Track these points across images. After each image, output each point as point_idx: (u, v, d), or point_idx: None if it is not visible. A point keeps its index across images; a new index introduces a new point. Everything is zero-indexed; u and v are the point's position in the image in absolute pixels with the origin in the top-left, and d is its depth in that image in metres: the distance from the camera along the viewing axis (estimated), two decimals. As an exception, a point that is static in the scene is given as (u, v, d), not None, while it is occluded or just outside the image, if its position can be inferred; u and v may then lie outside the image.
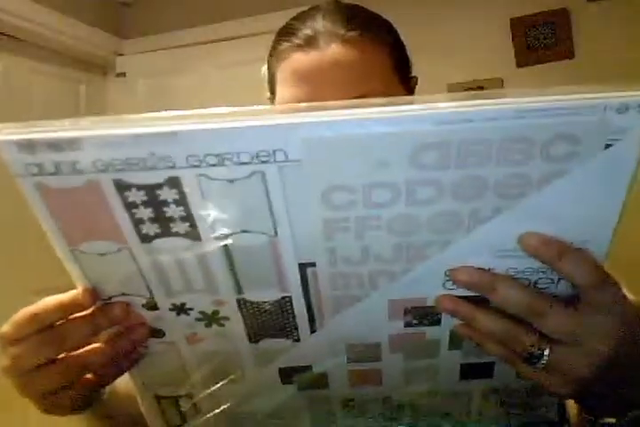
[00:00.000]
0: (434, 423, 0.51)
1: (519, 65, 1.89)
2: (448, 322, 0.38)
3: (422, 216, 0.32)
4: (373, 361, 0.41)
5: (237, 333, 0.39)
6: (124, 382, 0.42)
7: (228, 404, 0.43)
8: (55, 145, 0.29)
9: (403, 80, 0.61)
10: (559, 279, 0.35)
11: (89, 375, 0.38)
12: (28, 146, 0.29)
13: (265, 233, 0.33)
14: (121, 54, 2.45)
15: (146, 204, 0.31)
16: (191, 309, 0.37)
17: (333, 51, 0.56)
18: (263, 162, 0.30)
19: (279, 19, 2.37)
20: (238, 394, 0.43)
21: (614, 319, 0.33)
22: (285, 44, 0.60)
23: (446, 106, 0.28)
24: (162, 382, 0.42)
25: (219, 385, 0.42)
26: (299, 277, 0.36)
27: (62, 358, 0.36)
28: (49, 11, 2.09)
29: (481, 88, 1.89)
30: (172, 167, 0.30)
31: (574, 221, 0.33)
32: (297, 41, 0.58)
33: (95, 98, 2.41)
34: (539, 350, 0.34)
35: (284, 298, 0.37)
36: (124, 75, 2.44)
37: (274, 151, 0.29)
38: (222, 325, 0.38)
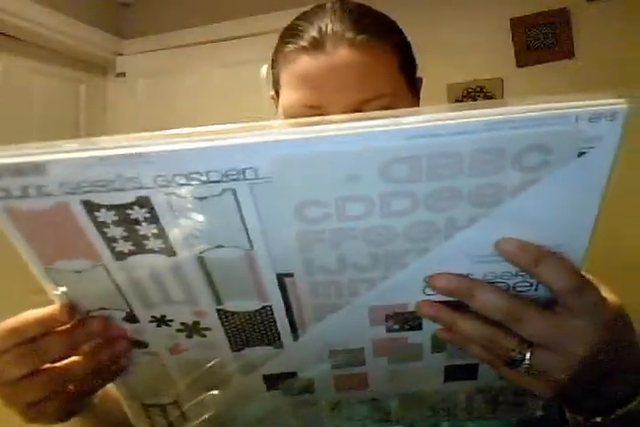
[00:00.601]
0: (432, 423, 0.51)
1: (519, 65, 1.89)
2: (430, 327, 0.38)
3: (398, 227, 0.32)
4: (358, 366, 0.41)
5: (220, 342, 0.39)
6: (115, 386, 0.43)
7: (215, 411, 0.44)
8: (19, 170, 0.29)
9: (409, 81, 0.61)
10: (538, 283, 0.35)
11: (71, 386, 0.39)
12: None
13: (240, 247, 0.33)
14: (121, 54, 2.45)
15: (117, 223, 0.31)
16: (171, 320, 0.37)
17: (341, 55, 0.56)
18: (233, 180, 0.29)
19: (279, 19, 2.38)
20: (225, 401, 0.43)
21: (593, 324, 0.33)
22: (291, 46, 0.59)
23: (413, 120, 0.28)
24: (147, 391, 0.43)
25: (205, 394, 0.42)
26: (277, 287, 0.36)
27: (44, 369, 0.37)
28: (49, 11, 2.09)
29: (481, 88, 1.89)
30: (141, 188, 0.30)
31: (550, 226, 0.33)
32: (303, 43, 0.57)
33: (95, 98, 2.41)
34: (520, 353, 0.34)
35: (264, 308, 0.37)
36: (123, 75, 2.44)
37: (243, 170, 0.29)
38: (204, 335, 0.38)
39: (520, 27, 1.88)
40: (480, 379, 0.43)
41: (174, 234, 0.32)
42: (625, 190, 1.74)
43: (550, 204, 0.32)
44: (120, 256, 0.33)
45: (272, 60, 0.64)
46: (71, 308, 0.36)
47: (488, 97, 1.88)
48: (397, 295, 0.36)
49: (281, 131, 0.28)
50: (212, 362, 0.40)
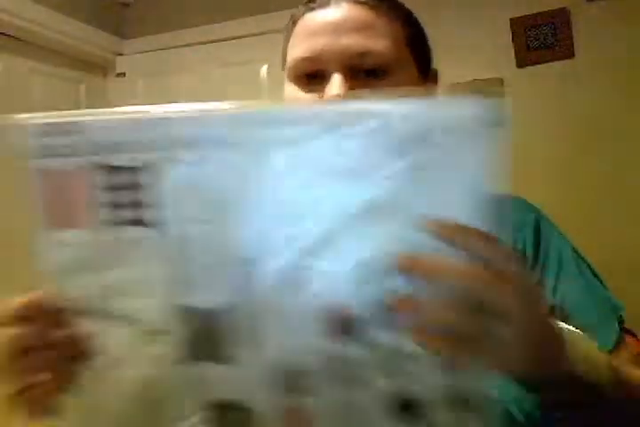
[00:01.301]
0: None
1: (519, 65, 1.89)
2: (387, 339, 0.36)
3: None
4: (309, 396, 0.38)
5: (168, 353, 0.37)
6: None
7: None
8: (63, 130, 0.34)
9: (418, 62, 0.61)
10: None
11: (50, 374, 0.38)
12: (48, 129, 0.34)
13: (214, 223, 0.34)
14: (121, 54, 2.45)
15: (123, 187, 0.34)
16: (126, 317, 0.36)
17: (342, 8, 0.57)
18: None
19: (279, 19, 2.37)
20: None
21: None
22: (301, 10, 0.61)
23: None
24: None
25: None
26: (244, 278, 0.35)
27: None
28: (49, 11, 2.09)
29: (481, 88, 1.89)
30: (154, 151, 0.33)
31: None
32: (312, 5, 0.60)
33: (95, 98, 2.41)
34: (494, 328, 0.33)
35: (223, 305, 0.36)
36: (123, 75, 2.44)
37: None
38: (152, 343, 0.36)
39: (520, 27, 1.87)
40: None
41: (166, 204, 0.34)
42: (626, 190, 1.74)
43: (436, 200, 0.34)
44: (115, 222, 0.35)
45: (284, 36, 0.64)
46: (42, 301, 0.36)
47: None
48: (336, 292, 0.35)
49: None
50: (155, 381, 0.37)
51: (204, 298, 0.36)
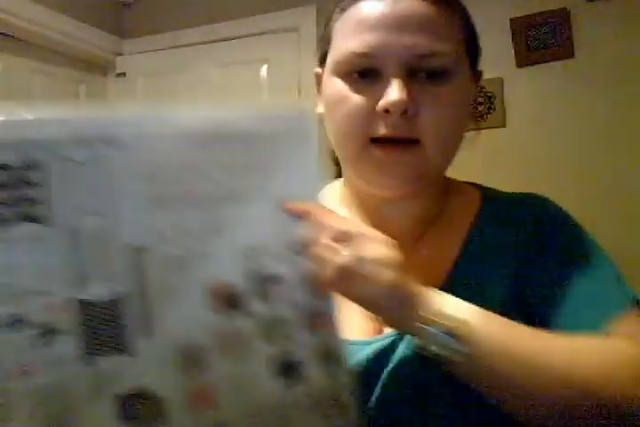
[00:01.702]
0: None
1: (519, 65, 1.89)
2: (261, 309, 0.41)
3: None
4: (205, 369, 0.39)
5: (69, 352, 0.36)
6: None
7: None
8: None
9: (471, 63, 0.59)
10: None
11: None
12: None
13: (102, 215, 0.36)
14: (121, 54, 2.45)
15: (7, 186, 0.34)
16: (20, 320, 0.35)
17: (406, 2, 0.53)
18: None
19: (279, 19, 2.38)
20: None
21: None
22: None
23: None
24: None
25: None
26: (132, 265, 0.37)
27: None
28: (49, 11, 2.09)
29: (481, 88, 1.89)
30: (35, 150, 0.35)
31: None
32: None
33: (95, 98, 2.41)
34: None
35: (117, 296, 0.37)
36: (123, 75, 2.44)
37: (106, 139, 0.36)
38: (52, 344, 0.35)
39: (520, 27, 1.87)
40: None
41: (56, 200, 0.35)
42: (626, 189, 1.74)
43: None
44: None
45: (324, 25, 0.61)
46: None
47: (488, 97, 1.88)
48: (220, 272, 0.40)
49: None
50: (59, 387, 0.36)
51: (98, 290, 0.36)
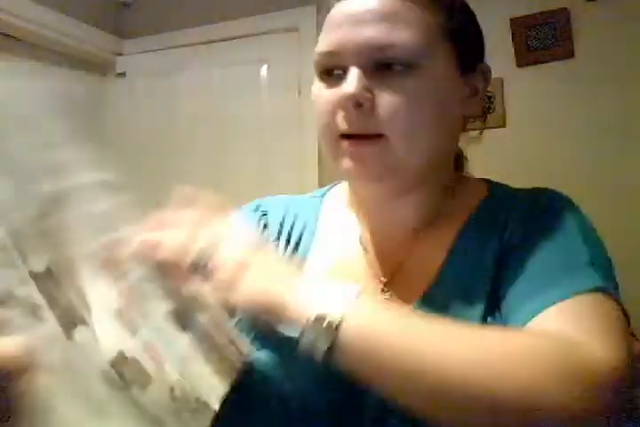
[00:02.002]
0: None
1: (519, 65, 1.89)
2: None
3: None
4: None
5: (55, 328, 0.35)
6: None
7: None
8: None
9: (458, 55, 0.56)
10: None
11: None
12: None
13: None
14: (121, 54, 2.45)
15: None
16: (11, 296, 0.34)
17: None
18: None
19: (279, 19, 2.38)
20: None
21: None
22: (333, 1, 0.57)
23: None
24: None
25: None
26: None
27: None
28: (49, 11, 2.09)
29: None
30: None
31: None
32: None
33: (95, 98, 2.41)
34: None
35: (49, 267, 0.37)
36: (124, 75, 2.44)
37: None
38: (42, 321, 0.34)
39: (520, 27, 1.87)
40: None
41: None
42: (626, 189, 1.74)
43: None
44: None
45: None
46: None
47: (488, 97, 1.88)
48: None
49: None
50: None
51: (35, 262, 0.36)
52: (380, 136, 0.53)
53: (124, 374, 0.38)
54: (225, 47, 2.28)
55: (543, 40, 1.86)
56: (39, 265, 0.36)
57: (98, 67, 2.44)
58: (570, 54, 1.83)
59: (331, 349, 0.41)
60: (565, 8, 1.82)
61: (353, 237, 0.64)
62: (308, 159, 2.07)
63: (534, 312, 0.47)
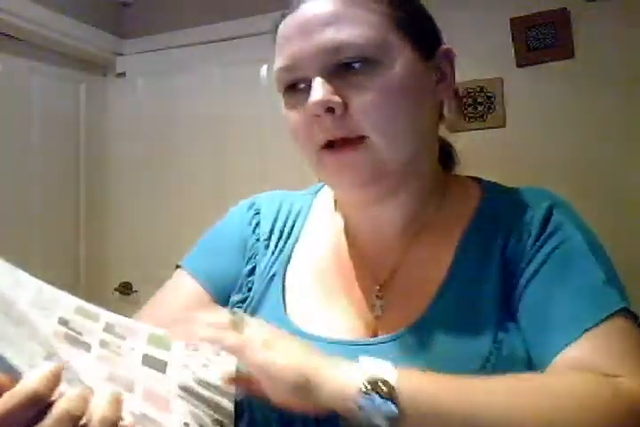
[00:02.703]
0: None
1: (519, 65, 1.89)
2: None
3: None
4: None
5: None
6: None
7: None
8: None
9: (415, 42, 0.55)
10: None
11: None
12: None
13: None
14: (121, 54, 2.45)
15: None
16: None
17: (310, 6, 0.53)
18: None
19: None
20: None
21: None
22: (279, 18, 0.57)
23: None
24: None
25: None
26: None
27: None
28: (49, 11, 2.09)
29: (481, 88, 1.89)
30: None
31: None
32: (286, 11, 0.56)
33: (95, 98, 2.41)
34: None
35: None
36: (124, 75, 2.44)
37: None
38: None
39: (520, 27, 1.87)
40: None
41: None
42: (626, 190, 1.74)
43: None
44: None
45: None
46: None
47: (488, 97, 1.88)
48: None
49: None
50: None
51: None
52: (361, 138, 0.52)
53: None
54: (225, 47, 2.28)
55: (543, 40, 1.86)
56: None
57: (98, 67, 2.44)
58: (570, 54, 1.83)
59: (393, 418, 0.39)
60: (565, 8, 1.82)
61: (342, 237, 0.64)
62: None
63: (564, 344, 0.48)
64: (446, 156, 0.66)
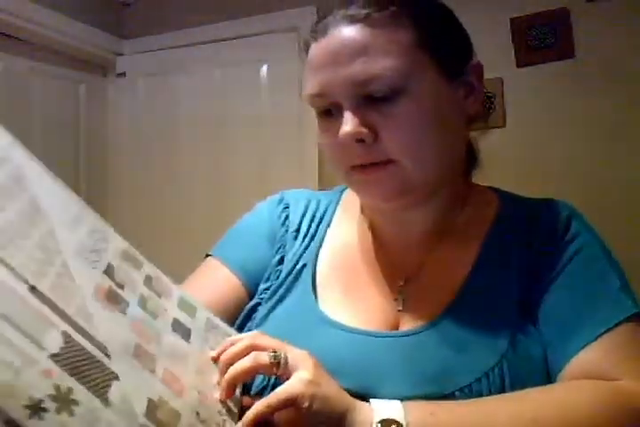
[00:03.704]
0: None
1: (519, 65, 1.89)
2: None
3: None
4: None
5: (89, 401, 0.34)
6: None
7: None
8: None
9: (438, 61, 0.55)
10: None
11: None
12: None
13: None
14: (121, 54, 2.45)
15: None
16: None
17: (339, 32, 0.54)
18: None
19: (279, 19, 2.38)
20: None
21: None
22: (309, 39, 0.58)
23: None
24: None
25: None
26: None
27: None
28: (49, 11, 2.09)
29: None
30: None
31: None
32: (314, 35, 0.57)
33: (95, 98, 2.41)
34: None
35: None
36: (124, 75, 2.44)
37: None
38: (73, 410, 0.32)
39: (520, 27, 1.87)
40: None
41: None
42: (626, 189, 1.74)
43: None
44: None
45: None
46: None
47: (488, 97, 1.88)
48: None
49: None
50: None
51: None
52: (390, 161, 0.55)
53: (158, 419, 0.38)
54: (225, 47, 2.28)
55: (543, 40, 1.86)
56: (53, 345, 0.34)
57: (98, 67, 2.44)
58: (570, 54, 1.83)
59: None
60: (565, 8, 1.82)
61: (368, 233, 0.66)
62: (308, 159, 2.07)
63: (580, 346, 0.51)
64: (471, 161, 0.68)
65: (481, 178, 0.68)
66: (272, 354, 0.45)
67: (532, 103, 1.87)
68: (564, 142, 1.82)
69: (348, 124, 0.53)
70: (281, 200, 0.72)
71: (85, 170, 2.32)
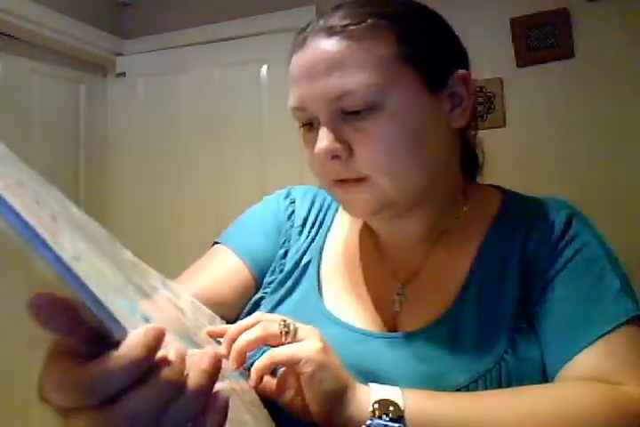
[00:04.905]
0: None
1: (519, 65, 1.89)
2: None
3: None
4: None
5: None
6: None
7: None
8: None
9: (422, 73, 0.53)
10: None
11: None
12: None
13: None
14: (121, 54, 2.45)
15: None
16: None
17: (317, 45, 0.53)
18: None
19: (279, 19, 2.39)
20: None
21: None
22: (291, 52, 0.57)
23: None
24: None
25: None
26: None
27: None
28: (49, 11, 2.09)
29: (481, 88, 1.89)
30: None
31: None
32: (295, 48, 0.56)
33: (95, 98, 2.41)
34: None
35: None
36: (124, 75, 2.44)
37: None
38: None
39: (520, 27, 1.88)
40: None
41: None
42: (626, 189, 1.74)
43: None
44: None
45: None
46: None
47: (488, 97, 1.88)
48: None
49: None
50: None
51: None
52: (364, 178, 0.54)
53: None
54: (225, 47, 2.28)
55: (543, 40, 1.86)
56: None
57: (98, 67, 2.44)
58: (570, 54, 1.83)
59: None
60: (565, 8, 1.82)
61: (367, 235, 0.66)
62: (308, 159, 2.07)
63: (578, 348, 0.51)
64: (471, 163, 0.68)
65: (481, 178, 0.68)
66: (282, 323, 0.45)
67: (532, 103, 1.87)
68: (564, 142, 1.82)
69: (323, 140, 0.53)
70: (288, 195, 0.73)
71: (85, 170, 2.32)
